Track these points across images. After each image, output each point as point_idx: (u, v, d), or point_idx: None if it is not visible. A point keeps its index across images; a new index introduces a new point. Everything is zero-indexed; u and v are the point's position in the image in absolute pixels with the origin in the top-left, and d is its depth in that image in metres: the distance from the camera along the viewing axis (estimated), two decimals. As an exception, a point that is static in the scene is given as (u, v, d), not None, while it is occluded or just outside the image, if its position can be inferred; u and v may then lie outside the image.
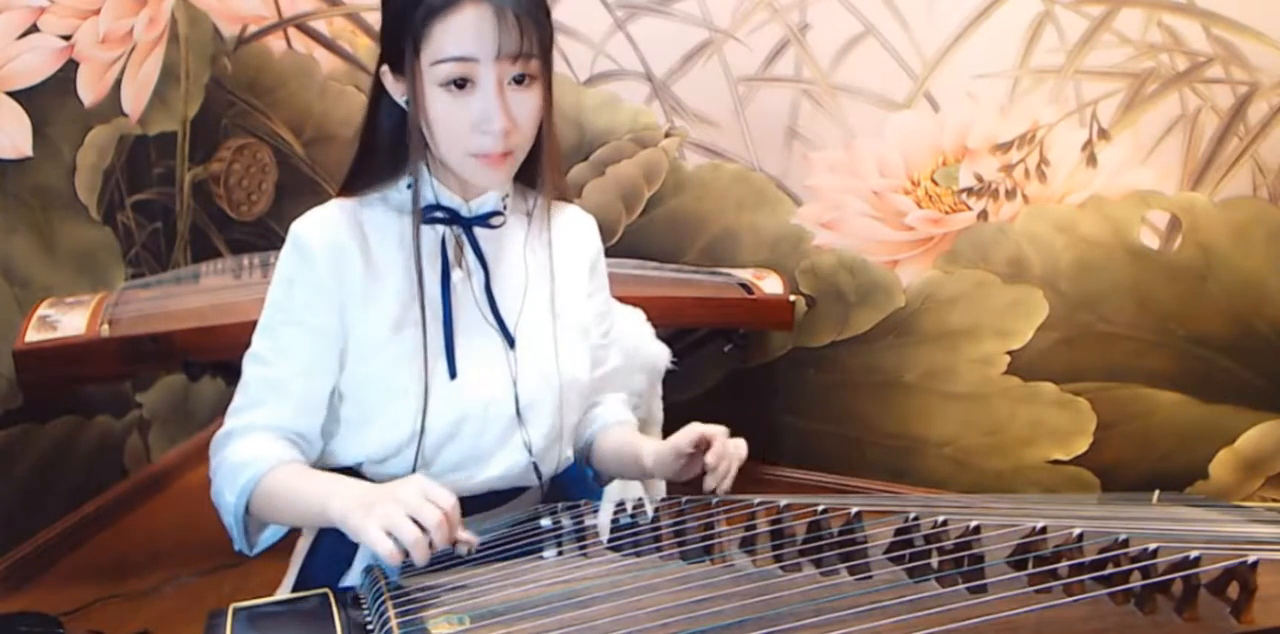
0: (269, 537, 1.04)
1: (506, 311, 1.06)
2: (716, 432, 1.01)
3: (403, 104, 0.98)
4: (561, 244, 1.12)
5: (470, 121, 0.94)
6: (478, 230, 1.06)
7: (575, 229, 1.15)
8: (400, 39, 0.94)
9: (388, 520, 0.83)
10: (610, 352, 1.21)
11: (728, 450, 1.00)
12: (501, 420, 1.05)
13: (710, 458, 0.99)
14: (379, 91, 1.01)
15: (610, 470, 1.18)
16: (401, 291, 1.02)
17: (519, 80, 0.94)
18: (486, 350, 1.05)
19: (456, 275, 1.05)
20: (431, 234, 1.04)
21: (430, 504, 0.84)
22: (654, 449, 1.06)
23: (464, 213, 1.04)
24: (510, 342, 1.06)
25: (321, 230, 1.00)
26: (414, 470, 1.03)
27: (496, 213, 1.06)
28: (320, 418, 1.03)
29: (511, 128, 0.94)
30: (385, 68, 0.98)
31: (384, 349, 1.01)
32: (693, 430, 1.01)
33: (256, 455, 0.97)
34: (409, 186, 1.03)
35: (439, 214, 1.04)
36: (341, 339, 1.01)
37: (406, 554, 0.83)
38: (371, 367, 1.01)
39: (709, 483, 1.01)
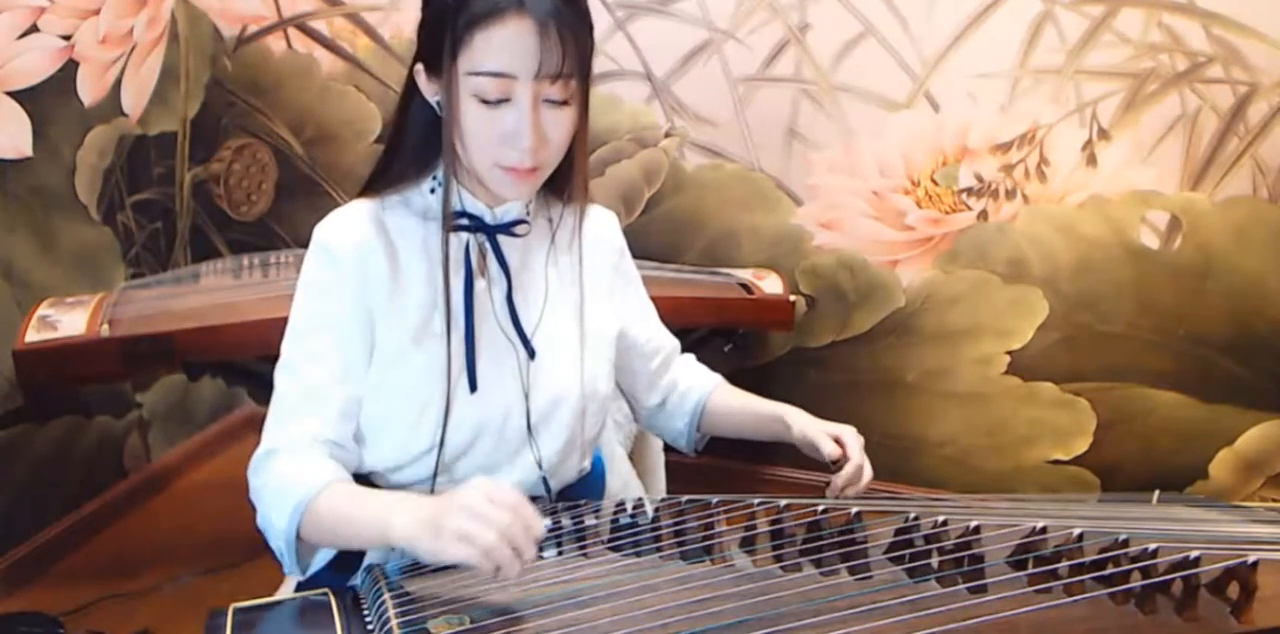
0: (322, 558, 1.01)
1: (527, 322, 1.04)
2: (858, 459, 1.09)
3: (434, 104, 0.96)
4: (586, 249, 1.11)
5: (500, 134, 0.92)
6: (500, 238, 1.03)
7: (598, 231, 1.14)
8: (438, 41, 0.91)
9: (461, 533, 0.78)
10: (663, 336, 1.25)
11: (862, 474, 1.08)
12: (517, 434, 1.04)
13: (849, 469, 1.07)
14: (411, 89, 0.98)
15: (725, 430, 1.24)
16: (424, 301, 1.00)
17: (555, 100, 0.92)
18: (505, 362, 1.03)
19: (480, 285, 1.02)
20: (455, 242, 1.01)
21: (496, 506, 0.79)
22: (801, 426, 1.14)
23: (489, 220, 1.02)
24: (531, 353, 1.04)
25: (347, 232, 0.98)
26: (432, 480, 1.02)
27: (521, 221, 1.03)
28: (355, 424, 1.00)
29: (541, 145, 0.92)
30: (419, 66, 0.96)
31: (405, 360, 0.99)
32: (852, 445, 1.11)
33: (303, 477, 0.92)
34: (432, 191, 1.01)
35: (464, 221, 1.01)
36: (370, 344, 0.99)
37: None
38: (392, 378, 0.99)
39: (836, 485, 1.06)
